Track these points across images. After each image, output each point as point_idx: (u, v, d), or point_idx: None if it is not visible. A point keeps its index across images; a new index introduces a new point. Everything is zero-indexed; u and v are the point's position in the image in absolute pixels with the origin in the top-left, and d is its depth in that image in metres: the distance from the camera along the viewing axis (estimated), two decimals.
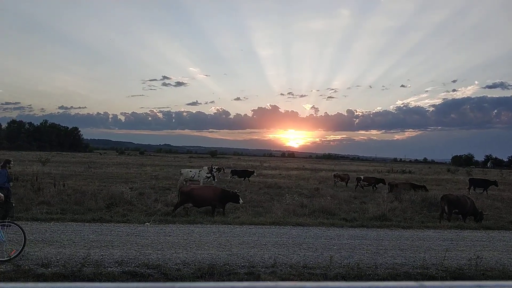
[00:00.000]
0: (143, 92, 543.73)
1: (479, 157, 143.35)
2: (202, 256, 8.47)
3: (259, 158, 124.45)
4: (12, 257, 7.67)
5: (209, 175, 23.65)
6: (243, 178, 30.37)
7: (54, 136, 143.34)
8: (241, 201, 14.63)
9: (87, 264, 7.46)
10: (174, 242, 9.73)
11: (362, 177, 28.93)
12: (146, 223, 12.02)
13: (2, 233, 7.93)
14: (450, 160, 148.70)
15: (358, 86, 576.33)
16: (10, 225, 8.24)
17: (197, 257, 8.39)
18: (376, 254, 9.41)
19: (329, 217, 14.05)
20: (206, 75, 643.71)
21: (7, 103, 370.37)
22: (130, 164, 52.48)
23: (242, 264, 8.03)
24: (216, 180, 25.59)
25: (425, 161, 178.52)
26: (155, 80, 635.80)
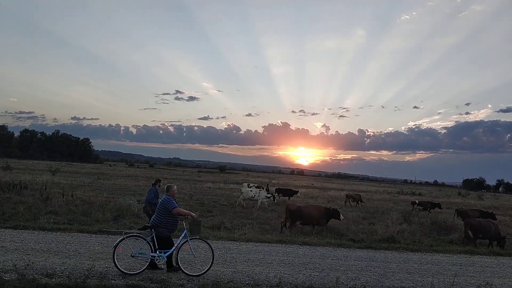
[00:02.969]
0: (155, 105, 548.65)
1: (491, 181, 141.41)
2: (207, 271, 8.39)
3: (268, 175, 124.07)
4: (201, 273, 8.10)
5: (269, 195, 23.82)
6: (287, 197, 30.22)
7: (65, 147, 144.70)
8: (341, 217, 14.83)
9: (92, 276, 7.43)
10: (179, 257, 9.64)
11: (417, 201, 28.15)
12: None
13: (192, 249, 8.42)
14: (461, 184, 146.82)
15: (370, 106, 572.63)
16: (199, 242, 8.78)
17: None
18: (383, 277, 9.25)
19: (336, 237, 13.89)
20: (219, 91, 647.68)
21: (21, 112, 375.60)
22: (139, 176, 52.68)
23: (247, 282, 7.94)
24: (275, 200, 25.69)
25: (435, 183, 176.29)
26: (168, 94, 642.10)
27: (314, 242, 12.71)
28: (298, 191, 32.55)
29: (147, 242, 8.16)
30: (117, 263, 7.83)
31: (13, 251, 9.05)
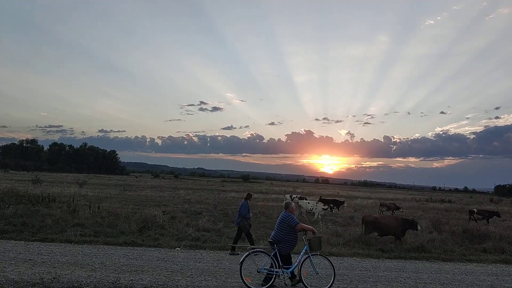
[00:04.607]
0: (180, 116, 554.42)
1: None
2: (231, 284, 8.25)
3: (292, 184, 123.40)
4: None
5: (325, 207, 23.72)
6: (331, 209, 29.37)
7: (93, 159, 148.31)
8: (419, 227, 14.83)
9: None
10: (204, 268, 9.57)
11: (475, 210, 27.16)
12: (176, 248, 11.97)
13: (314, 266, 8.44)
14: (493, 190, 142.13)
15: (396, 112, 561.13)
16: (320, 258, 8.73)
17: (227, 286, 8.17)
18: None
19: (364, 247, 13.51)
20: (242, 100, 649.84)
21: (50, 126, 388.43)
22: (164, 187, 53.22)
23: None
24: (333, 211, 25.45)
25: (465, 190, 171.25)
26: (192, 105, 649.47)
27: (341, 253, 12.40)
28: (344, 201, 30.78)
29: (271, 257, 8.19)
30: (244, 279, 7.90)
31: (41, 264, 9.16)
